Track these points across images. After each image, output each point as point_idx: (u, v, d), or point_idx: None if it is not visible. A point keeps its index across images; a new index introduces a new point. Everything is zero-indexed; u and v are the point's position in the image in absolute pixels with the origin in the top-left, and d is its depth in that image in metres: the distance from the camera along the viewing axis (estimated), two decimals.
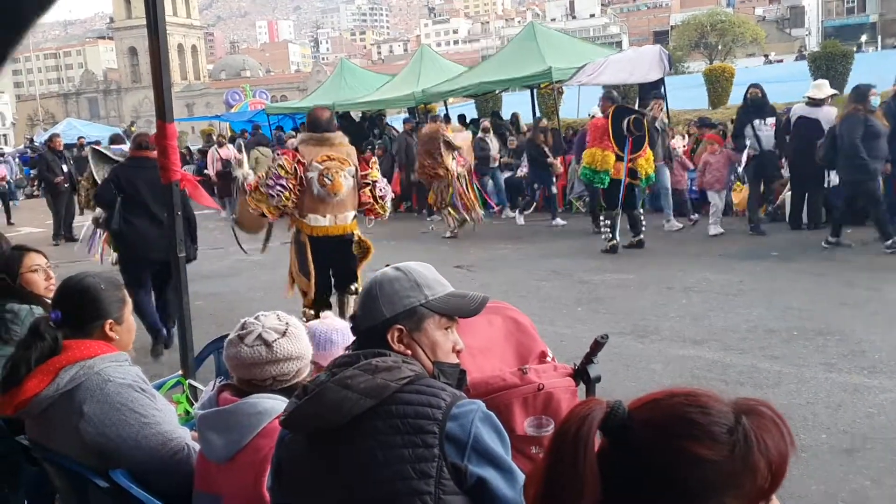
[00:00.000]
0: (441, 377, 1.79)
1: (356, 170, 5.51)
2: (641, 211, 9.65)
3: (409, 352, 1.78)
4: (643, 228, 9.40)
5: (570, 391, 2.47)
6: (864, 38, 59.22)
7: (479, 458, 1.60)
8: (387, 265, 1.90)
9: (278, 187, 5.24)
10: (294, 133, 16.80)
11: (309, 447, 1.70)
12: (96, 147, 10.43)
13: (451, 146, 10.67)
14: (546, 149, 12.22)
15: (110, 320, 2.44)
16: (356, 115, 19.03)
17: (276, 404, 2.04)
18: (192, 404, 3.11)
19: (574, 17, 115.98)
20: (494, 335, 2.63)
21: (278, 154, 5.65)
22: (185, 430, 2.42)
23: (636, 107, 13.18)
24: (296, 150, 5.48)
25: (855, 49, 22.04)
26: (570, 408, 2.43)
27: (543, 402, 2.36)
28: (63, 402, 2.26)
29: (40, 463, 2.51)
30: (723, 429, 1.06)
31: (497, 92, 18.22)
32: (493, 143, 13.64)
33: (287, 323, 2.19)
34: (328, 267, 5.61)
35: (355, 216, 5.59)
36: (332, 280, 5.71)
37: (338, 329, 2.68)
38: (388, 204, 5.71)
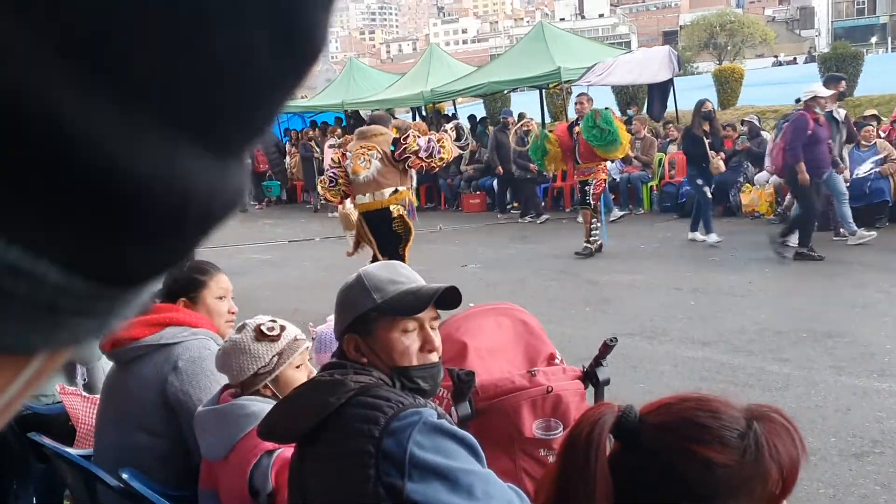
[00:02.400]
0: (404, 382, 1.70)
1: (383, 154, 6.17)
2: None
3: (365, 360, 1.73)
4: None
5: (579, 394, 2.46)
6: (874, 39, 58.95)
7: (421, 474, 1.49)
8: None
9: (332, 175, 6.43)
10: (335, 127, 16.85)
11: (297, 456, 1.72)
12: None
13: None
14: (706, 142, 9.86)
15: (184, 299, 2.55)
16: (365, 113, 19.04)
17: (265, 407, 2.03)
18: None
19: (583, 17, 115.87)
20: (503, 337, 2.63)
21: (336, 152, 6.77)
22: None
23: (645, 107, 13.18)
24: (344, 146, 6.78)
25: (865, 51, 21.92)
26: (579, 410, 2.44)
27: (552, 405, 2.36)
28: (160, 354, 2.37)
29: (50, 460, 2.53)
30: (734, 433, 1.06)
31: (505, 92, 18.20)
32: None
33: (230, 338, 2.18)
34: (377, 242, 6.46)
35: (394, 191, 6.23)
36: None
37: None
38: (444, 155, 6.28)
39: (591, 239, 9.10)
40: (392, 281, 1.75)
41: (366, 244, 6.53)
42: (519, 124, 12.86)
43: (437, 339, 1.77)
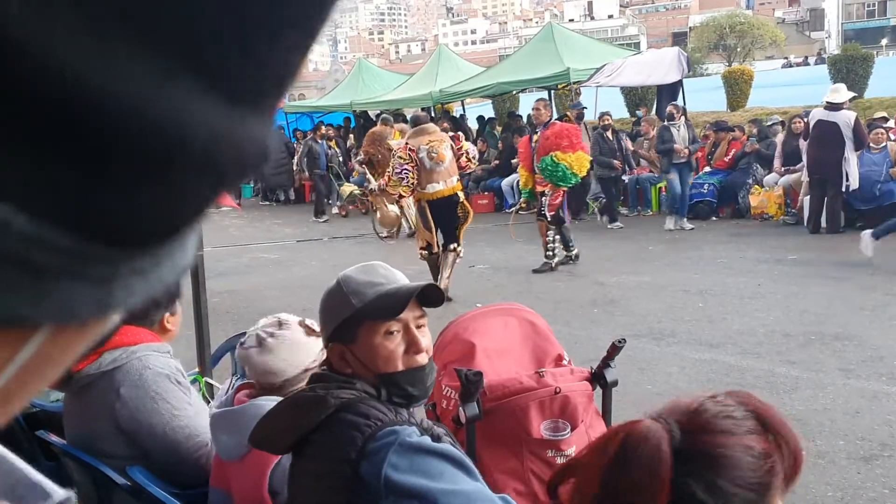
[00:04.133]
0: (391, 390, 1.63)
1: (452, 145, 7.28)
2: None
3: (350, 370, 1.66)
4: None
5: (587, 395, 2.46)
6: (884, 41, 58.69)
7: (398, 498, 1.44)
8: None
9: (404, 171, 7.03)
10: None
11: (292, 463, 1.71)
12: None
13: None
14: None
15: (168, 313, 2.52)
16: (373, 114, 19.08)
17: None
18: (208, 402, 3.13)
19: (592, 18, 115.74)
20: (511, 337, 2.63)
21: (396, 150, 7.43)
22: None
23: (654, 108, 13.13)
24: (406, 144, 7.24)
25: (875, 53, 21.82)
26: (587, 412, 2.44)
27: (560, 406, 2.36)
28: (103, 381, 2.32)
29: (59, 458, 2.54)
30: (751, 418, 1.13)
31: (514, 92, 18.20)
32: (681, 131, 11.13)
33: (272, 333, 2.12)
34: (438, 226, 7.41)
35: (458, 179, 7.40)
36: (441, 238, 7.49)
37: None
38: (475, 158, 7.82)
39: (548, 253, 8.62)
40: (370, 283, 1.67)
41: (421, 233, 7.46)
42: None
43: (423, 339, 1.67)
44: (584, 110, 12.65)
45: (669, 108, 11.09)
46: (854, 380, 4.83)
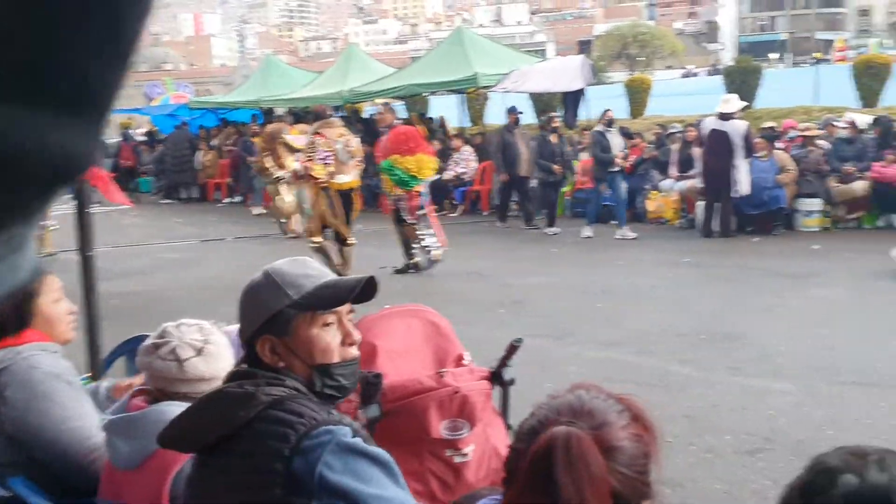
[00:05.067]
0: (325, 381, 1.65)
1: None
2: None
3: (283, 363, 1.64)
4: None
5: (485, 394, 2.51)
6: (775, 55, 61.79)
7: (330, 497, 1.44)
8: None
9: (328, 158, 7.48)
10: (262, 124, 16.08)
11: (195, 466, 1.67)
12: None
13: (291, 148, 9.79)
14: None
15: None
16: (281, 111, 18.78)
17: None
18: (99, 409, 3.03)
19: (501, 24, 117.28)
20: (413, 338, 2.66)
21: (315, 137, 7.73)
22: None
23: (562, 115, 13.41)
24: (318, 132, 7.69)
25: (765, 65, 22.98)
26: (484, 410, 2.50)
27: (459, 406, 2.40)
28: None
29: None
30: (627, 412, 1.27)
31: (425, 94, 18.28)
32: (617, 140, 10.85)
33: (206, 340, 2.08)
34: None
35: None
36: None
37: None
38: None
39: (410, 252, 8.60)
40: (305, 276, 1.67)
41: (329, 218, 7.77)
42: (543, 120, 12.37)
43: (355, 332, 1.71)
44: (521, 115, 12.34)
45: (609, 114, 10.83)
46: (741, 377, 5.09)
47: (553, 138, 11.62)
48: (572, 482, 1.13)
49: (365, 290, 1.70)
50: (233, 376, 1.68)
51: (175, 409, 1.95)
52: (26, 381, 2.20)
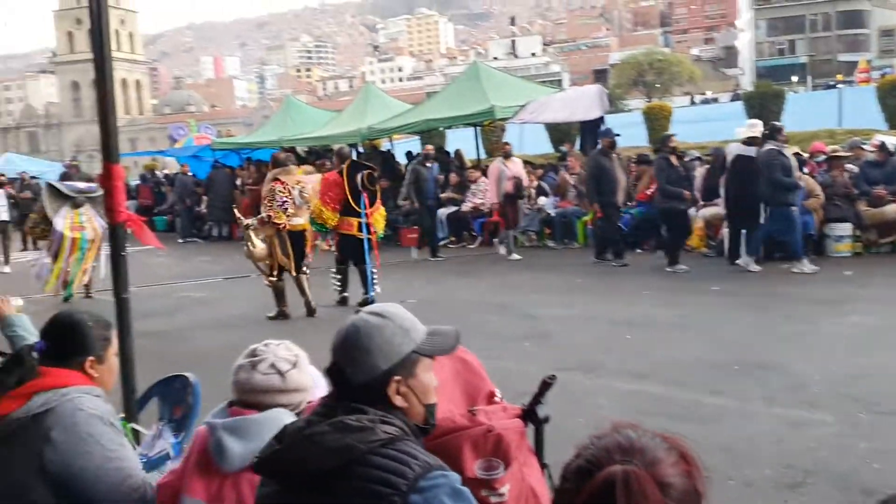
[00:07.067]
0: (430, 419, 1.82)
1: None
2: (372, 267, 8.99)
3: (406, 404, 1.76)
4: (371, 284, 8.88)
5: (520, 432, 2.45)
6: (795, 78, 61.65)
7: None
8: (357, 310, 1.86)
9: (285, 203, 8.27)
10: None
11: (279, 494, 1.68)
12: (52, 183, 10.47)
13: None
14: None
15: (92, 358, 2.43)
16: (302, 150, 18.98)
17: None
18: (134, 448, 3.00)
19: (516, 56, 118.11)
20: (443, 375, 2.59)
21: (274, 184, 8.39)
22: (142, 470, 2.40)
23: (577, 145, 13.42)
24: (277, 179, 8.40)
25: (787, 90, 22.92)
26: (519, 449, 2.43)
27: (493, 445, 2.33)
28: (32, 425, 2.23)
29: None
30: (674, 450, 1.24)
31: (441, 129, 18.41)
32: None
33: (296, 354, 2.24)
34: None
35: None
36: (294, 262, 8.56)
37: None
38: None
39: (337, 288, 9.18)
40: (414, 321, 1.84)
41: (277, 259, 8.39)
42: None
43: (435, 378, 1.87)
44: (618, 137, 11.23)
45: (673, 140, 10.37)
46: (778, 408, 4.96)
47: (674, 160, 10.24)
48: None
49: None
50: (340, 410, 1.69)
51: (286, 416, 2.10)
52: (71, 423, 2.23)
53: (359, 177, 8.72)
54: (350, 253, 8.95)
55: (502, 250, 12.14)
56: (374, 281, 8.90)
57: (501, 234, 12.48)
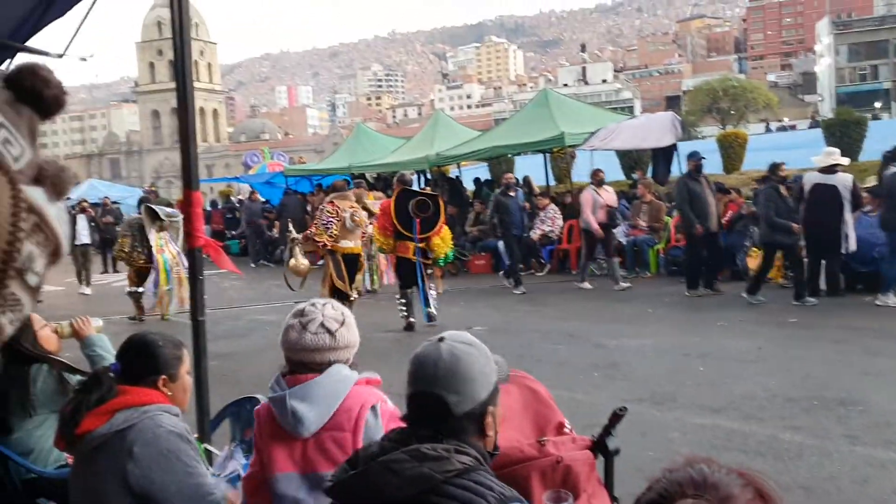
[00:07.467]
0: (496, 447, 1.82)
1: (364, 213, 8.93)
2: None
3: (492, 433, 1.77)
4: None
5: (589, 464, 2.40)
6: (878, 104, 59.66)
7: None
8: (440, 339, 1.83)
9: (329, 223, 8.50)
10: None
11: None
12: (150, 206, 11.16)
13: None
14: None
15: (164, 377, 2.51)
16: (371, 175, 19.27)
17: (352, 372, 2.32)
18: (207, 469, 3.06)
19: (586, 83, 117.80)
20: (512, 405, 2.57)
21: (326, 205, 8.74)
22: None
23: (649, 171, 13.21)
24: (332, 202, 8.67)
25: (870, 116, 22.19)
26: (588, 481, 2.38)
27: (562, 476, 2.30)
28: (114, 441, 2.32)
29: None
30: (750, 486, 1.18)
31: (509, 155, 18.43)
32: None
33: (343, 313, 2.35)
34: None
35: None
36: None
37: None
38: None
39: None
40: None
41: (332, 281, 8.60)
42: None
43: None
44: (703, 160, 10.80)
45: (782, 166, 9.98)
46: (860, 447, 4.74)
47: (784, 190, 9.61)
48: None
49: None
50: (416, 438, 1.68)
51: (344, 368, 2.29)
52: (152, 439, 2.31)
53: (410, 204, 9.00)
54: (405, 275, 9.29)
55: (587, 285, 11.72)
56: (432, 300, 9.26)
57: (582, 264, 12.12)
